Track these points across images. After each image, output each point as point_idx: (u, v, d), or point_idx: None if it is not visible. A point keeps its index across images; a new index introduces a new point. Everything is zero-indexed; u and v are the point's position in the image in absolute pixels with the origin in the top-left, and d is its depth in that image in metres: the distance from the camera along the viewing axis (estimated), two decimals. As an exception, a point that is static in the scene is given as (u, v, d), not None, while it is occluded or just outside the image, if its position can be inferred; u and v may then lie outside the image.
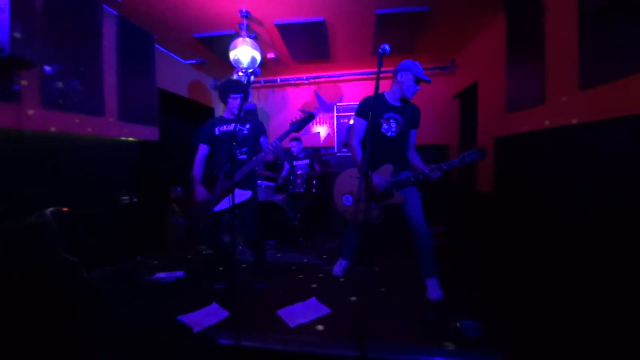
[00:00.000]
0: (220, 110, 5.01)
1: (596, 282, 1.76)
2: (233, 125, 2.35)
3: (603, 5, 1.74)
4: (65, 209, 2.36)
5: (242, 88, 2.34)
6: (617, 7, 1.66)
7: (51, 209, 2.25)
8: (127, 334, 1.81)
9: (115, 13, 2.95)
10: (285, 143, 4.19)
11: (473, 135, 3.77)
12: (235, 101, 2.33)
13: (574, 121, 1.99)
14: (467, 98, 4.22)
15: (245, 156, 2.34)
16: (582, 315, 1.75)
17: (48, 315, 1.86)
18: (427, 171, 1.99)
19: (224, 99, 2.37)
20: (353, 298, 2.21)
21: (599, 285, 1.74)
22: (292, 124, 2.23)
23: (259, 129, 2.44)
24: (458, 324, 1.82)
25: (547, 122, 2.25)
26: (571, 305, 1.84)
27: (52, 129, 2.39)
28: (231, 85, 2.34)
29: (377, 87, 1.54)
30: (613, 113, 1.69)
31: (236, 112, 2.35)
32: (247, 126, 2.39)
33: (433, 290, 2.15)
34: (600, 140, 1.80)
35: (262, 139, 2.44)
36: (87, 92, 2.65)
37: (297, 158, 4.17)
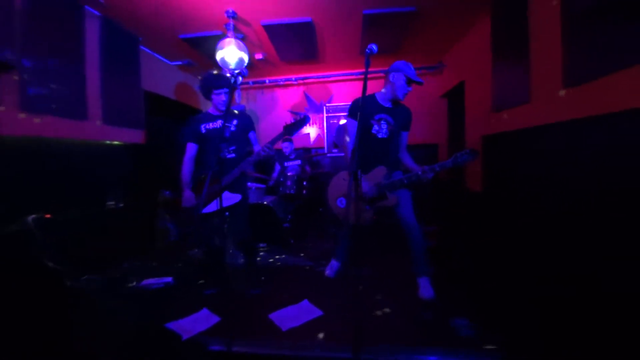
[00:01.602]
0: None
1: (585, 278, 1.79)
2: (219, 122, 2.26)
3: (586, 6, 1.77)
4: (48, 216, 2.29)
5: (226, 82, 2.23)
6: (599, 8, 1.69)
7: (33, 216, 2.18)
8: (114, 343, 1.76)
9: (99, 14, 2.88)
10: (277, 143, 4.15)
11: (461, 134, 3.82)
12: (219, 97, 2.23)
13: (559, 119, 2.02)
14: (455, 97, 4.27)
15: (233, 155, 2.25)
16: (575, 313, 1.77)
17: (31, 325, 1.80)
18: (419, 173, 1.99)
19: (207, 95, 2.26)
20: (346, 299, 2.20)
21: (588, 282, 1.77)
22: (285, 127, 2.17)
23: (247, 125, 2.35)
24: (451, 324, 1.83)
25: (532, 120, 2.29)
26: (563, 302, 1.87)
27: (33, 134, 2.31)
28: (213, 79, 2.23)
29: (364, 87, 1.54)
30: (597, 110, 1.73)
31: (221, 107, 2.26)
32: (235, 122, 2.29)
33: (425, 289, 2.16)
34: (585, 137, 1.83)
35: (251, 135, 2.36)
36: (69, 95, 2.58)
37: (288, 159, 4.14)
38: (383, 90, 2.24)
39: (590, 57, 1.76)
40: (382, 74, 2.26)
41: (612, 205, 1.64)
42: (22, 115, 2.23)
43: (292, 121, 2.18)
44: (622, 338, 1.49)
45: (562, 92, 1.98)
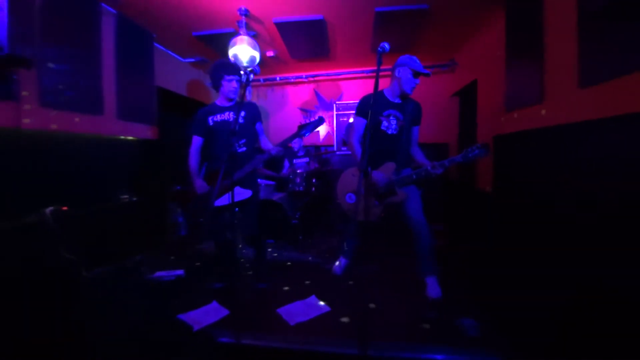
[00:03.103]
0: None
1: (596, 281, 1.76)
2: (227, 113, 2.26)
3: (603, 3, 1.74)
4: (64, 208, 2.36)
5: (237, 69, 2.22)
6: (616, 6, 1.65)
7: (50, 208, 2.25)
8: (128, 333, 1.81)
9: (114, 11, 2.94)
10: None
11: (472, 134, 3.77)
12: (230, 84, 2.22)
13: (574, 120, 1.98)
14: (467, 96, 4.21)
15: (244, 148, 2.26)
16: (583, 316, 1.75)
17: (48, 315, 1.86)
18: (429, 168, 1.99)
19: (217, 82, 2.25)
20: (353, 296, 2.21)
21: (598, 285, 1.74)
22: (300, 127, 2.18)
23: (254, 115, 2.35)
24: (458, 323, 1.83)
25: (543, 114, 2.25)
26: (571, 306, 1.85)
27: (51, 128, 2.38)
28: (225, 66, 2.23)
29: (376, 85, 1.54)
30: (614, 111, 1.69)
31: (231, 96, 2.26)
32: (242, 114, 2.27)
33: (432, 289, 2.16)
34: (601, 139, 1.80)
35: (257, 126, 2.36)
36: (85, 90, 2.64)
37: (297, 156, 4.17)
38: (390, 86, 2.24)
39: (607, 56, 1.73)
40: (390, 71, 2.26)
41: (628, 208, 1.61)
42: (39, 110, 2.30)
43: (305, 120, 2.19)
44: (632, 343, 1.47)
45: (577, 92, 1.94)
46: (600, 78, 1.76)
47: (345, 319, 1.92)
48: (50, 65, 2.34)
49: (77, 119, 2.58)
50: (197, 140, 2.31)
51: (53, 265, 2.15)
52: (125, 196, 3.06)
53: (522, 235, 2.47)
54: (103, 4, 2.81)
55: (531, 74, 2.42)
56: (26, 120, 2.21)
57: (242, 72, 2.24)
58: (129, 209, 3.07)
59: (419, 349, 1.63)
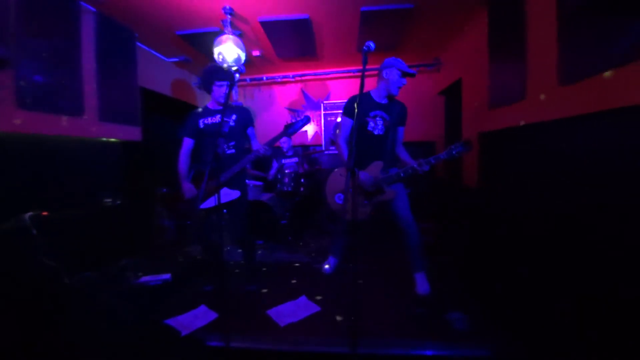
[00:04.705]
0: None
1: (580, 276, 1.81)
2: (218, 117, 2.25)
3: (582, 2, 1.78)
4: (45, 213, 2.28)
5: (228, 75, 2.23)
6: (595, 4, 1.70)
7: (30, 213, 2.17)
8: (113, 340, 1.77)
9: (94, 10, 2.86)
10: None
11: (458, 132, 3.83)
12: (220, 89, 2.22)
13: (555, 116, 2.03)
14: (452, 95, 4.28)
15: (233, 150, 2.25)
16: (570, 310, 1.79)
17: (30, 323, 1.80)
18: (415, 165, 2.02)
19: (208, 87, 2.25)
20: (343, 295, 2.22)
21: (583, 280, 1.79)
22: (286, 126, 2.18)
23: (246, 120, 2.34)
24: (447, 318, 1.85)
25: (528, 117, 2.30)
26: (559, 299, 1.89)
27: (29, 130, 2.30)
28: (216, 71, 2.23)
29: (362, 84, 1.54)
30: (592, 108, 1.74)
31: (222, 101, 2.24)
32: (233, 117, 2.28)
33: (421, 285, 2.19)
34: (579, 135, 1.85)
35: (249, 131, 2.36)
36: (65, 91, 2.56)
37: (286, 156, 4.14)
38: (377, 87, 2.27)
39: (586, 55, 1.77)
40: (377, 72, 2.28)
41: (606, 202, 1.66)
42: (17, 112, 2.21)
43: (292, 120, 2.18)
44: (609, 331, 1.51)
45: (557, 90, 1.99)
46: (580, 76, 1.81)
47: (335, 318, 1.92)
48: (27, 65, 2.26)
49: (56, 121, 2.50)
50: (187, 143, 2.29)
51: (34, 272, 2.08)
52: (109, 199, 2.98)
53: (508, 230, 2.52)
54: (82, 2, 2.72)
55: (514, 72, 2.47)
56: (2, 123, 2.12)
57: (233, 75, 2.24)
58: (113, 213, 3.00)
59: (409, 345, 1.65)
